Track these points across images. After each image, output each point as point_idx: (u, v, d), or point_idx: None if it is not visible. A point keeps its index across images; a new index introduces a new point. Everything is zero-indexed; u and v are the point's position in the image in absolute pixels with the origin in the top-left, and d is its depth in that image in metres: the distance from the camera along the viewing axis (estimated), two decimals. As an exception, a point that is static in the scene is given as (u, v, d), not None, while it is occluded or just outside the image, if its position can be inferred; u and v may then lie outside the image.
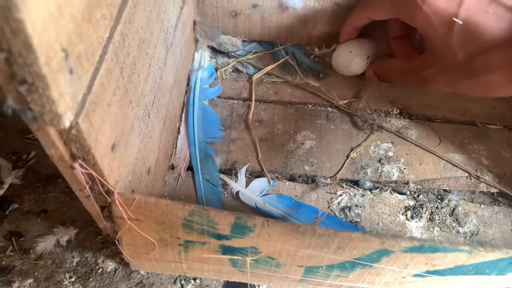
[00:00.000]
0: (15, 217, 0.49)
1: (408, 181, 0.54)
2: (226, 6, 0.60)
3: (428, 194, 0.54)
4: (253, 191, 0.50)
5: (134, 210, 0.33)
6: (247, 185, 0.51)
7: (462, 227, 0.52)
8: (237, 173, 0.51)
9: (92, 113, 0.28)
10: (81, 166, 0.29)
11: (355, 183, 0.54)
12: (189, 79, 0.59)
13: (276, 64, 0.63)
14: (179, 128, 0.55)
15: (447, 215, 0.52)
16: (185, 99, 0.57)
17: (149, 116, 0.42)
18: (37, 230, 0.47)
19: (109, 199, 0.33)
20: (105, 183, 0.31)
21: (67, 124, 0.25)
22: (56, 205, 0.50)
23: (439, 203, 0.53)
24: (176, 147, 0.54)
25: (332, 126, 0.58)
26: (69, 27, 0.23)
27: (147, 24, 0.39)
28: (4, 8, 0.18)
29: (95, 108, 0.28)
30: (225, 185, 0.51)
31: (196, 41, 0.61)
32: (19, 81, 0.21)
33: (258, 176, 0.52)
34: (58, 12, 0.21)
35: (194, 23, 0.59)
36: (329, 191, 0.52)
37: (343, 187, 0.53)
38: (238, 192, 0.50)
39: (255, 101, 0.59)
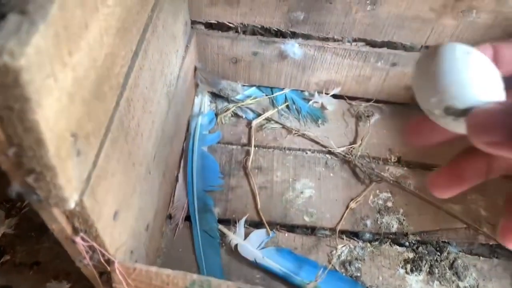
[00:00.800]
0: (7, 269, 0.47)
1: (407, 233, 0.54)
2: (227, 53, 0.60)
3: (427, 246, 0.54)
4: (252, 243, 0.49)
5: (135, 279, 0.32)
6: (246, 236, 0.50)
7: (462, 281, 0.51)
8: (236, 223, 0.51)
9: (97, 188, 0.27)
10: (82, 239, 0.28)
11: (355, 235, 0.53)
12: (188, 125, 0.59)
13: (275, 110, 0.63)
14: (177, 176, 0.54)
15: (447, 268, 0.52)
16: (184, 145, 0.57)
17: (150, 173, 0.41)
18: (29, 285, 0.46)
19: (109, 268, 0.32)
20: (106, 253, 0.30)
21: (72, 205, 0.24)
22: (49, 257, 0.48)
23: (438, 255, 0.53)
24: (174, 195, 0.53)
25: (331, 174, 0.58)
26: (78, 111, 0.23)
27: (151, 83, 0.39)
28: (19, 111, 0.18)
29: (100, 182, 0.27)
30: (223, 236, 0.50)
31: (197, 86, 0.62)
32: (27, 170, 0.21)
33: (257, 226, 0.52)
34: (70, 100, 0.21)
35: (195, 69, 0.60)
36: (329, 244, 0.52)
37: (342, 239, 0.52)
38: (237, 245, 0.49)
39: (254, 147, 0.59)
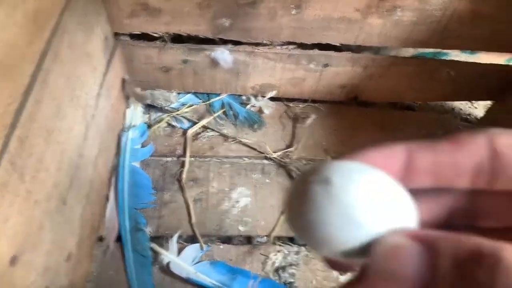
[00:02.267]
0: None
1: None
2: (156, 62, 0.59)
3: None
4: (185, 259, 0.49)
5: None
6: (179, 252, 0.50)
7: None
8: (169, 240, 0.50)
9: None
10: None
11: (290, 240, 0.54)
12: (119, 139, 0.58)
13: (212, 117, 0.62)
14: (107, 196, 0.53)
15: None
16: (115, 162, 0.56)
17: (65, 203, 0.40)
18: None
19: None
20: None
21: None
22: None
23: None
24: (105, 216, 0.52)
25: (268, 180, 0.58)
26: None
27: (56, 112, 0.37)
28: None
29: (-17, 235, 0.26)
30: (156, 255, 0.50)
31: (127, 98, 0.60)
32: None
33: (193, 241, 0.52)
34: None
35: (123, 81, 0.58)
36: (263, 252, 0.52)
37: (279, 245, 0.53)
38: (169, 262, 0.49)
39: (190, 157, 0.59)
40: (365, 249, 0.17)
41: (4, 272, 0.29)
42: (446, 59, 0.65)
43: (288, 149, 0.61)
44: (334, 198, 0.18)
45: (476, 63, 0.63)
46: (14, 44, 0.31)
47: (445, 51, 0.68)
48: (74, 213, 0.43)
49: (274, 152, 0.60)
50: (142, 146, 0.58)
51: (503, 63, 0.64)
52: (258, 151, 0.60)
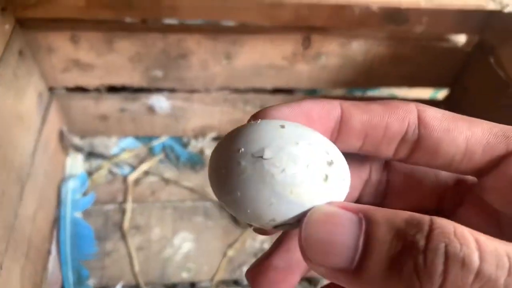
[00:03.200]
0: None
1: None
2: (93, 112, 0.60)
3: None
4: (128, 312, 0.50)
5: None
6: (122, 305, 0.50)
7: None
8: (112, 293, 0.51)
9: None
10: None
11: (235, 282, 0.56)
12: (59, 190, 0.58)
13: (152, 161, 0.64)
14: (49, 249, 0.53)
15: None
16: (56, 214, 0.56)
17: (0, 268, 0.40)
18: None
19: None
20: None
21: None
22: None
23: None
24: (47, 270, 0.52)
25: (210, 223, 0.59)
26: None
27: (-19, 186, 0.38)
28: None
29: None
30: (99, 309, 0.50)
31: (66, 148, 0.60)
32: None
33: (135, 291, 0.52)
34: None
35: (61, 133, 0.58)
36: (206, 298, 0.54)
37: (221, 288, 0.54)
38: (111, 317, 0.49)
39: (132, 203, 0.59)
40: (298, 221, 0.17)
41: None
42: (375, 95, 0.69)
43: (230, 189, 0.62)
44: (266, 174, 0.16)
45: (402, 98, 0.67)
46: None
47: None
48: (12, 275, 0.43)
49: (216, 193, 0.62)
50: (83, 195, 0.58)
51: (427, 98, 0.69)
52: (200, 193, 0.62)
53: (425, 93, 0.70)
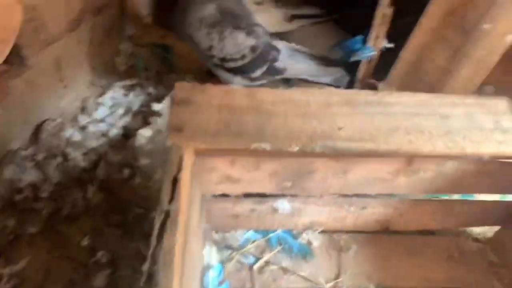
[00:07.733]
0: None
1: None
2: (229, 212, 0.73)
3: None
4: None
5: None
6: None
7: None
8: None
9: None
10: None
11: None
12: (202, 279, 0.70)
13: (272, 253, 0.76)
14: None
15: None
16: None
17: None
18: None
19: None
20: None
21: None
22: None
23: None
24: None
25: (324, 309, 0.70)
26: None
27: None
28: None
29: None
30: None
31: (204, 241, 0.74)
32: None
33: None
34: None
35: (205, 229, 0.72)
36: None
37: None
38: None
39: (258, 290, 0.71)
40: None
41: None
42: (459, 198, 0.80)
43: (337, 280, 0.73)
44: None
45: (479, 200, 0.79)
46: None
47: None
48: None
49: (326, 282, 0.73)
50: (219, 285, 0.71)
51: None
52: (313, 282, 0.73)
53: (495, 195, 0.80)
